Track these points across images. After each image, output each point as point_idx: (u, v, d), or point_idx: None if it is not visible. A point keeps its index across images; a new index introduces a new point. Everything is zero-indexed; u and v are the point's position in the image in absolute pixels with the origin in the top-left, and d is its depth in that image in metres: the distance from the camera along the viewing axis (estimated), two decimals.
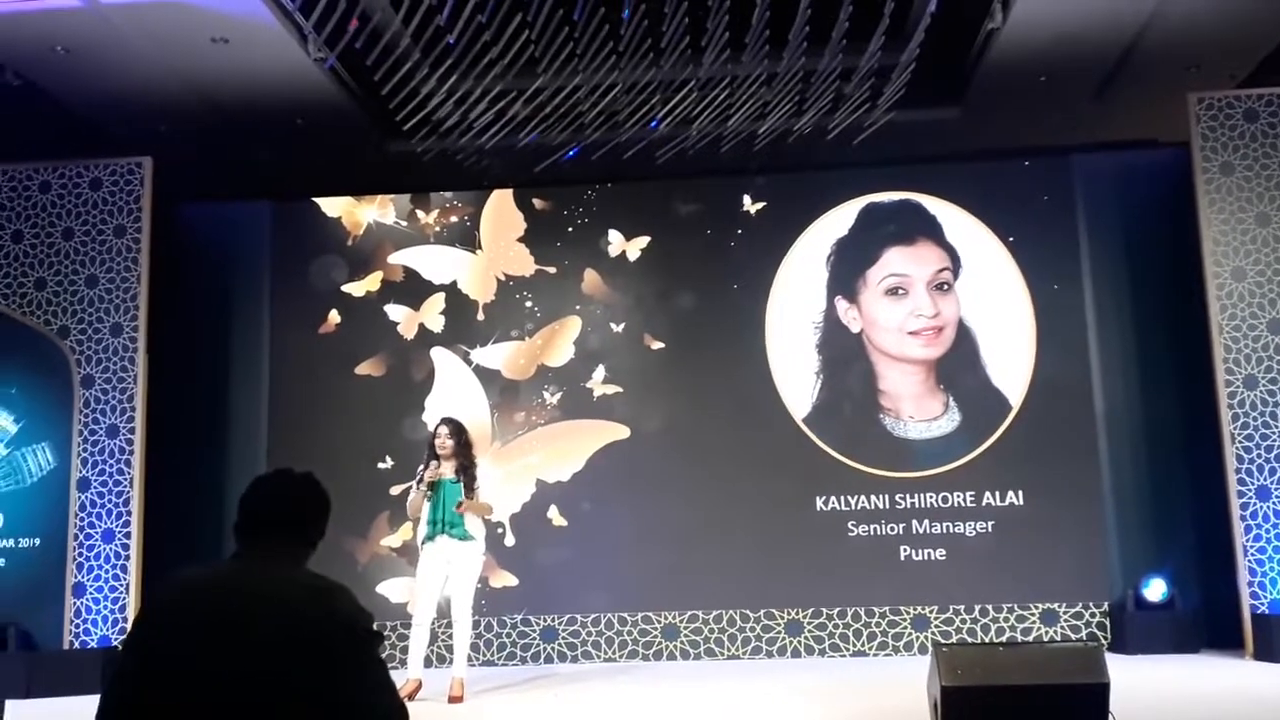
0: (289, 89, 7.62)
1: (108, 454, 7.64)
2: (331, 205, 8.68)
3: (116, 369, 7.74)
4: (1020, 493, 7.96)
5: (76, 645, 7.40)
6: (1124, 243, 8.23)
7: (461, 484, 6.44)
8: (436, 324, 8.51)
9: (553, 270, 8.52)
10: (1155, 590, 7.54)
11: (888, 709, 5.45)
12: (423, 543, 6.47)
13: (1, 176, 8.01)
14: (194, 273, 8.63)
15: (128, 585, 7.50)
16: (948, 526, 7.97)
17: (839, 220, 8.38)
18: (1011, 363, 8.12)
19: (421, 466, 6.57)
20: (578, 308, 8.49)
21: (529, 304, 8.51)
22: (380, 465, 8.26)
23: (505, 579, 8.14)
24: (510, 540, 8.17)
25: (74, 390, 7.73)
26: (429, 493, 6.43)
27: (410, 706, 5.99)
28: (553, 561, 8.14)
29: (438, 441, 6.52)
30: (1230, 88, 7.77)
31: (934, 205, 8.32)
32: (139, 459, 7.60)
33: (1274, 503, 7.24)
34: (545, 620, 8.10)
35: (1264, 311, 7.43)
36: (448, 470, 6.48)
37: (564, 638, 8.07)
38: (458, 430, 6.57)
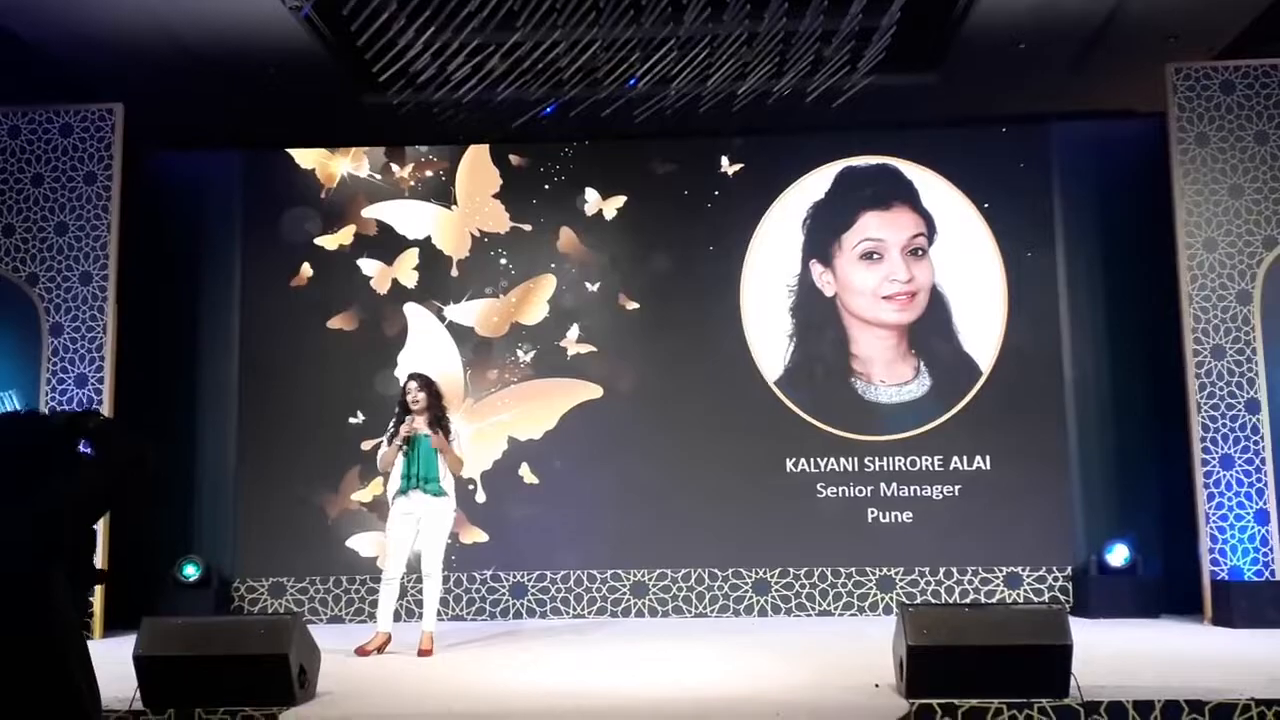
0: (263, 36, 7.47)
1: (76, 403, 7.54)
2: (305, 157, 8.57)
3: (85, 318, 7.64)
4: (987, 458, 8.01)
5: None
6: (1098, 212, 8.25)
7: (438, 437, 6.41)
8: (410, 279, 8.44)
9: (528, 228, 8.46)
10: (1118, 556, 7.63)
11: (853, 667, 5.50)
12: (394, 497, 6.44)
13: None
14: (165, 222, 8.51)
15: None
16: (915, 490, 8.02)
17: (816, 183, 8.36)
18: (982, 329, 8.15)
19: (393, 422, 6.53)
20: (552, 266, 8.44)
21: (504, 261, 8.45)
22: (351, 420, 8.21)
23: (476, 535, 8.14)
24: (481, 497, 8.16)
25: (42, 338, 7.62)
26: (404, 448, 6.40)
27: (379, 660, 6.04)
28: (523, 518, 8.14)
29: (409, 397, 6.48)
30: (1208, 59, 7.77)
31: (911, 170, 8.31)
32: (108, 408, 7.51)
33: (1237, 472, 7.32)
34: (515, 576, 8.11)
35: (1233, 283, 7.48)
36: (421, 425, 6.45)
37: (533, 594, 8.08)
38: (427, 383, 6.53)
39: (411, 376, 6.62)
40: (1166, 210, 7.65)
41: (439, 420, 6.46)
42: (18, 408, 7.55)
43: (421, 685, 5.41)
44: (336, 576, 8.09)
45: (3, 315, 7.70)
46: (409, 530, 6.39)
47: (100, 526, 7.42)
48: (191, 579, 7.83)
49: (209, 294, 8.52)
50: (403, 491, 6.39)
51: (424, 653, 6.25)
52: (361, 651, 6.25)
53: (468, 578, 8.09)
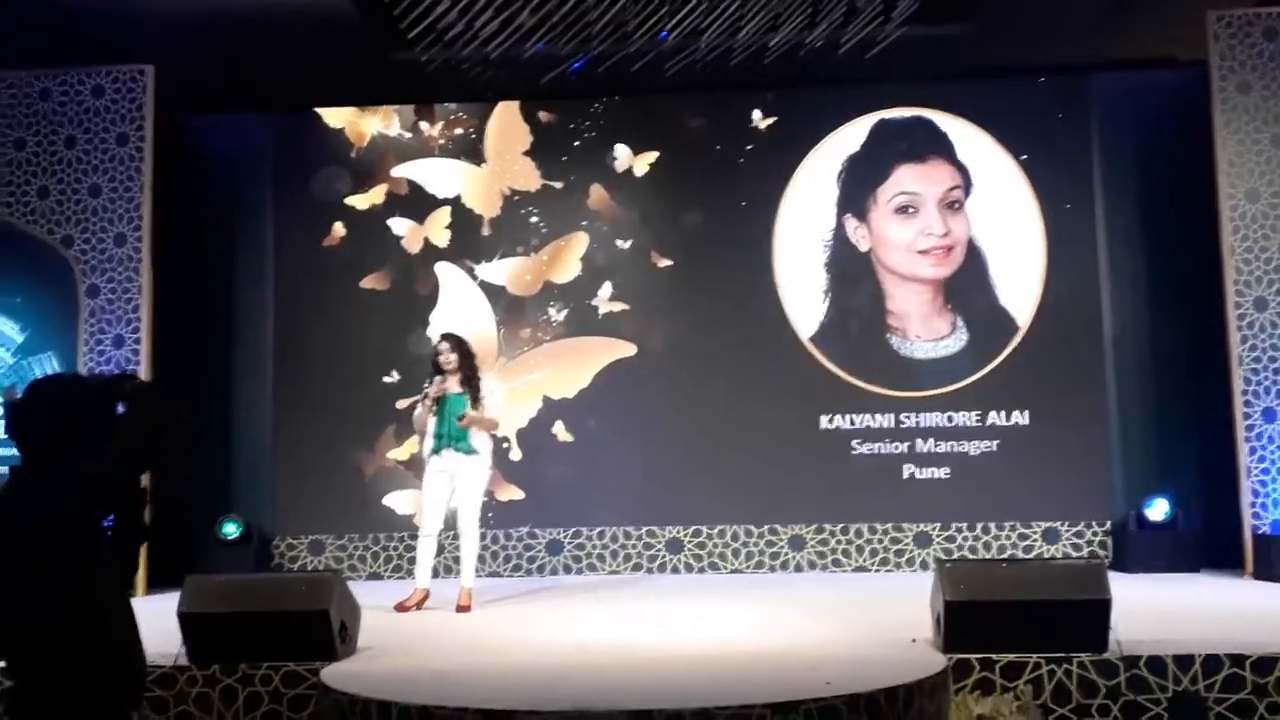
0: None
1: (114, 364, 7.62)
2: (334, 116, 8.56)
3: (121, 279, 7.70)
4: (1025, 413, 7.97)
5: None
6: (1138, 163, 8.12)
7: (467, 397, 6.43)
8: (441, 238, 8.44)
9: (559, 185, 8.43)
10: (1158, 510, 7.58)
11: (890, 622, 5.50)
12: (428, 456, 6.49)
13: (1, 84, 7.88)
14: (197, 184, 8.53)
15: None
16: (952, 445, 7.99)
17: (850, 137, 8.28)
18: (1020, 283, 8.08)
19: (426, 383, 6.56)
20: (584, 224, 8.41)
21: (534, 219, 8.43)
22: (386, 379, 8.26)
23: (512, 493, 8.19)
24: (516, 455, 8.20)
25: (79, 300, 7.69)
26: (434, 408, 6.43)
27: (419, 616, 6.11)
28: (559, 476, 8.18)
29: (440, 358, 6.50)
30: (1250, 5, 7.60)
31: (946, 122, 8.21)
32: (145, 370, 7.59)
33: (1279, 425, 7.24)
34: (551, 534, 8.16)
35: (1276, 233, 7.35)
36: (452, 384, 6.47)
37: (569, 551, 8.14)
38: (458, 343, 6.55)
39: (443, 336, 6.64)
40: (1207, 161, 7.51)
41: (469, 380, 6.47)
42: (57, 370, 7.65)
43: (462, 640, 5.47)
44: (375, 534, 8.17)
45: (40, 277, 7.79)
46: (444, 488, 6.43)
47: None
48: (232, 537, 7.94)
49: (242, 254, 8.57)
50: (436, 451, 6.43)
51: (462, 608, 6.31)
52: (401, 607, 6.32)
53: (504, 535, 8.15)
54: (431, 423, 6.45)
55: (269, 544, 8.22)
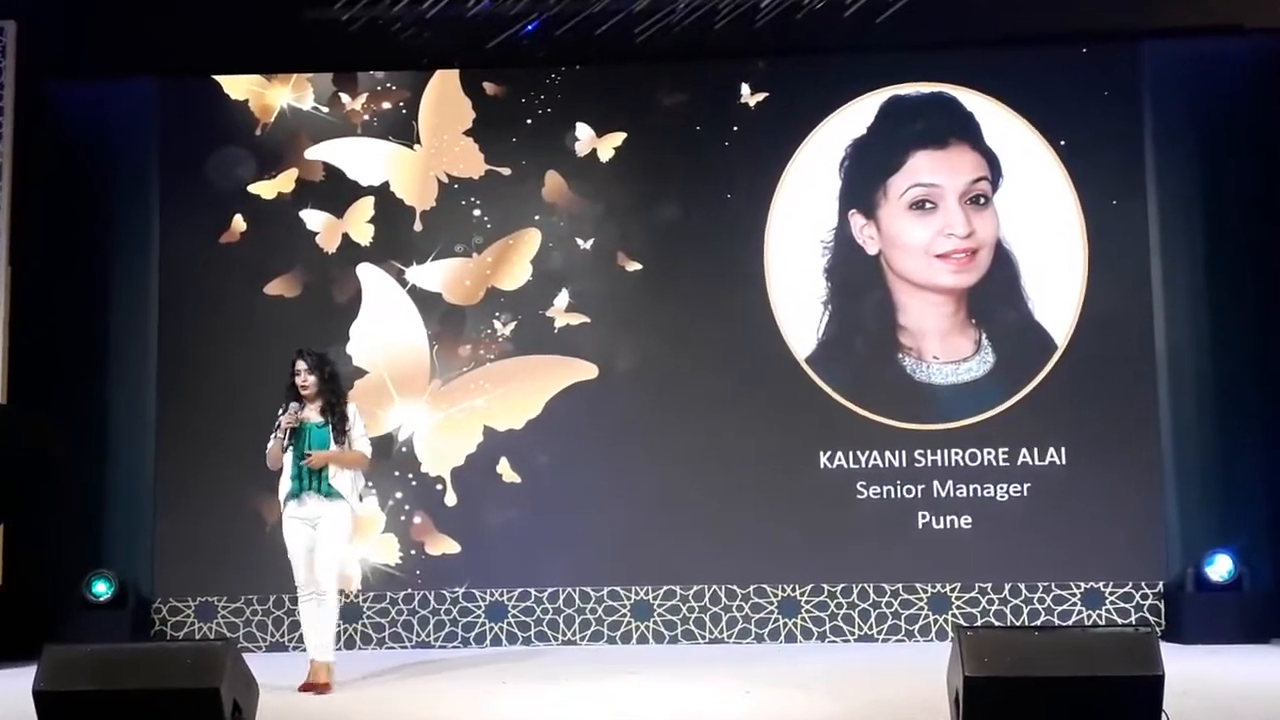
0: None
1: None
2: (235, 85, 8.55)
3: None
4: (1063, 450, 8.02)
5: None
6: (1198, 150, 8.21)
7: (330, 428, 6.43)
8: (364, 235, 8.44)
9: (507, 171, 8.45)
10: (1220, 568, 7.63)
11: (899, 702, 5.52)
12: (285, 500, 6.46)
13: None
14: (67, 165, 8.48)
15: None
16: (975, 489, 8.03)
17: (856, 117, 8.34)
18: (1058, 294, 8.14)
19: (281, 410, 6.52)
20: (537, 218, 8.43)
21: (477, 213, 8.44)
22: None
23: (445, 545, 8.17)
24: (451, 499, 8.18)
25: None
26: (288, 442, 6.41)
27: (327, 698, 6.05)
28: (503, 525, 8.17)
29: (297, 379, 6.48)
30: None
31: (971, 100, 8.28)
32: None
33: None
34: (493, 595, 8.14)
35: None
36: (311, 413, 6.46)
37: (514, 615, 8.12)
38: (319, 362, 6.54)
39: (300, 354, 6.58)
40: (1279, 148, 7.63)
41: (332, 407, 6.47)
42: None
43: None
44: (277, 595, 8.12)
45: None
46: (308, 538, 6.42)
47: None
48: (103, 598, 7.87)
49: (121, 252, 8.52)
50: (294, 494, 6.42)
51: (315, 687, 6.22)
52: (306, 687, 6.29)
53: (435, 596, 8.13)
54: (288, 460, 6.43)
55: (148, 607, 8.15)
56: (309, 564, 6.43)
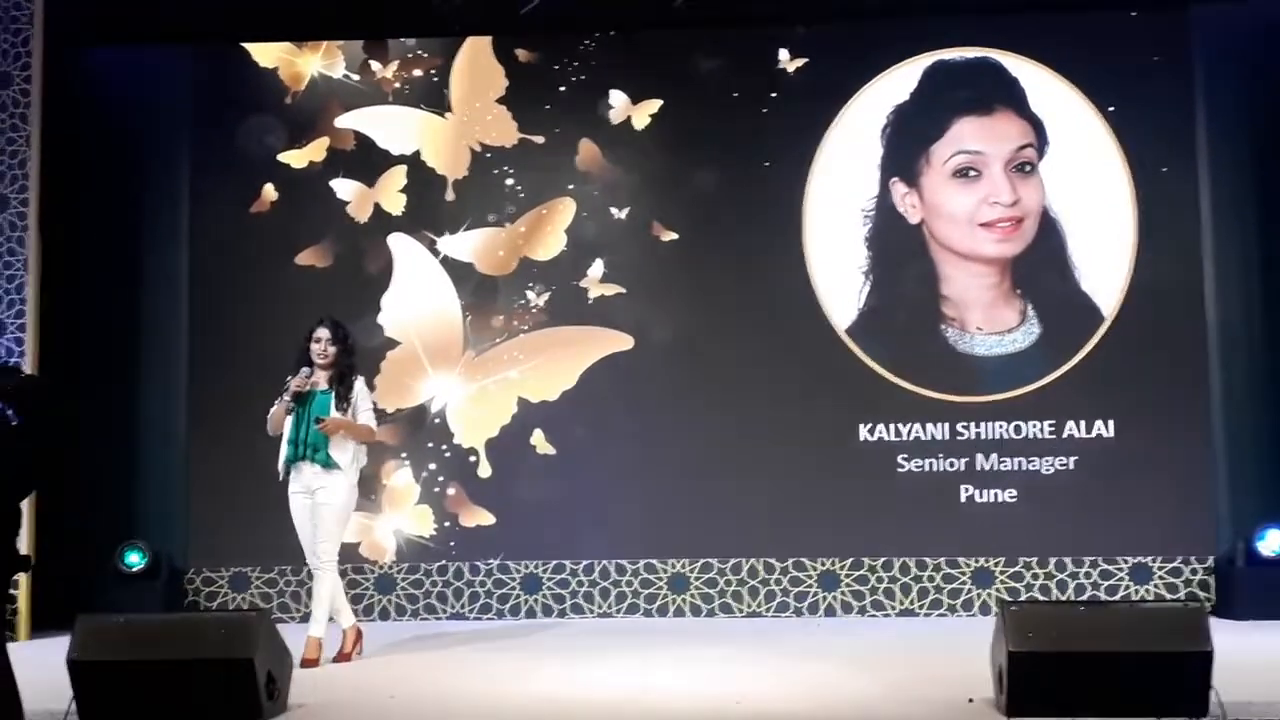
0: None
1: None
2: (265, 53, 8.56)
3: (2, 251, 7.71)
4: (1110, 423, 7.97)
5: None
6: (1251, 117, 8.13)
7: (333, 396, 6.43)
8: (395, 204, 8.44)
9: (540, 140, 8.43)
10: (1271, 543, 7.59)
11: (941, 678, 5.50)
12: (283, 465, 6.47)
13: None
14: (97, 135, 8.53)
15: None
16: (1020, 462, 7.99)
17: (898, 83, 8.28)
18: (1106, 263, 8.08)
19: (290, 375, 6.52)
20: (571, 187, 8.42)
21: (510, 181, 8.43)
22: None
23: (479, 517, 8.19)
24: (485, 471, 8.20)
25: None
26: (293, 405, 6.41)
27: (358, 666, 6.10)
28: (538, 497, 8.18)
29: (316, 347, 6.48)
30: None
31: (1016, 65, 8.21)
32: (30, 361, 7.58)
33: None
34: (527, 567, 8.16)
35: None
36: (321, 380, 6.47)
37: (549, 588, 8.14)
38: (340, 333, 6.55)
39: (323, 322, 6.59)
40: None
41: (342, 378, 6.47)
42: None
43: (414, 697, 5.46)
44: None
45: None
46: (309, 509, 6.44)
47: (25, 507, 7.53)
48: (136, 569, 7.94)
49: (152, 223, 8.56)
50: (291, 461, 6.43)
51: (306, 662, 6.20)
52: (340, 657, 6.34)
53: (470, 569, 8.16)
54: (287, 426, 6.43)
55: (181, 578, 8.22)
56: (313, 537, 6.46)
